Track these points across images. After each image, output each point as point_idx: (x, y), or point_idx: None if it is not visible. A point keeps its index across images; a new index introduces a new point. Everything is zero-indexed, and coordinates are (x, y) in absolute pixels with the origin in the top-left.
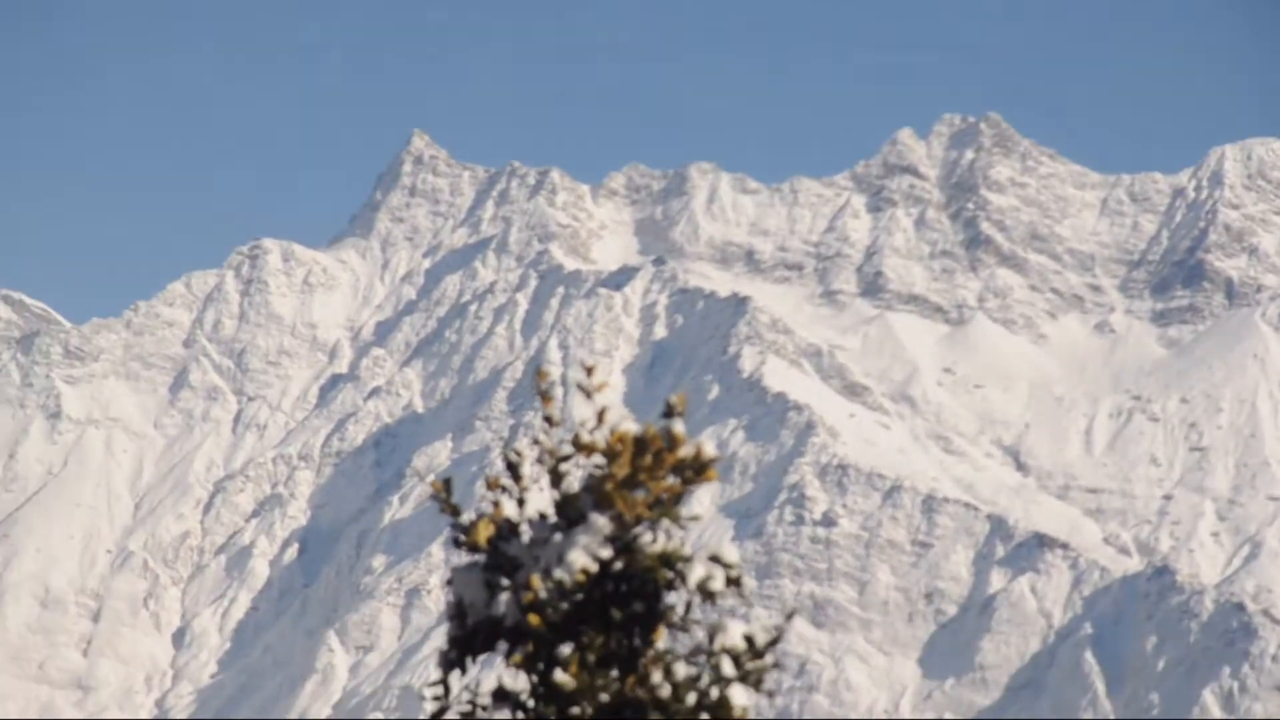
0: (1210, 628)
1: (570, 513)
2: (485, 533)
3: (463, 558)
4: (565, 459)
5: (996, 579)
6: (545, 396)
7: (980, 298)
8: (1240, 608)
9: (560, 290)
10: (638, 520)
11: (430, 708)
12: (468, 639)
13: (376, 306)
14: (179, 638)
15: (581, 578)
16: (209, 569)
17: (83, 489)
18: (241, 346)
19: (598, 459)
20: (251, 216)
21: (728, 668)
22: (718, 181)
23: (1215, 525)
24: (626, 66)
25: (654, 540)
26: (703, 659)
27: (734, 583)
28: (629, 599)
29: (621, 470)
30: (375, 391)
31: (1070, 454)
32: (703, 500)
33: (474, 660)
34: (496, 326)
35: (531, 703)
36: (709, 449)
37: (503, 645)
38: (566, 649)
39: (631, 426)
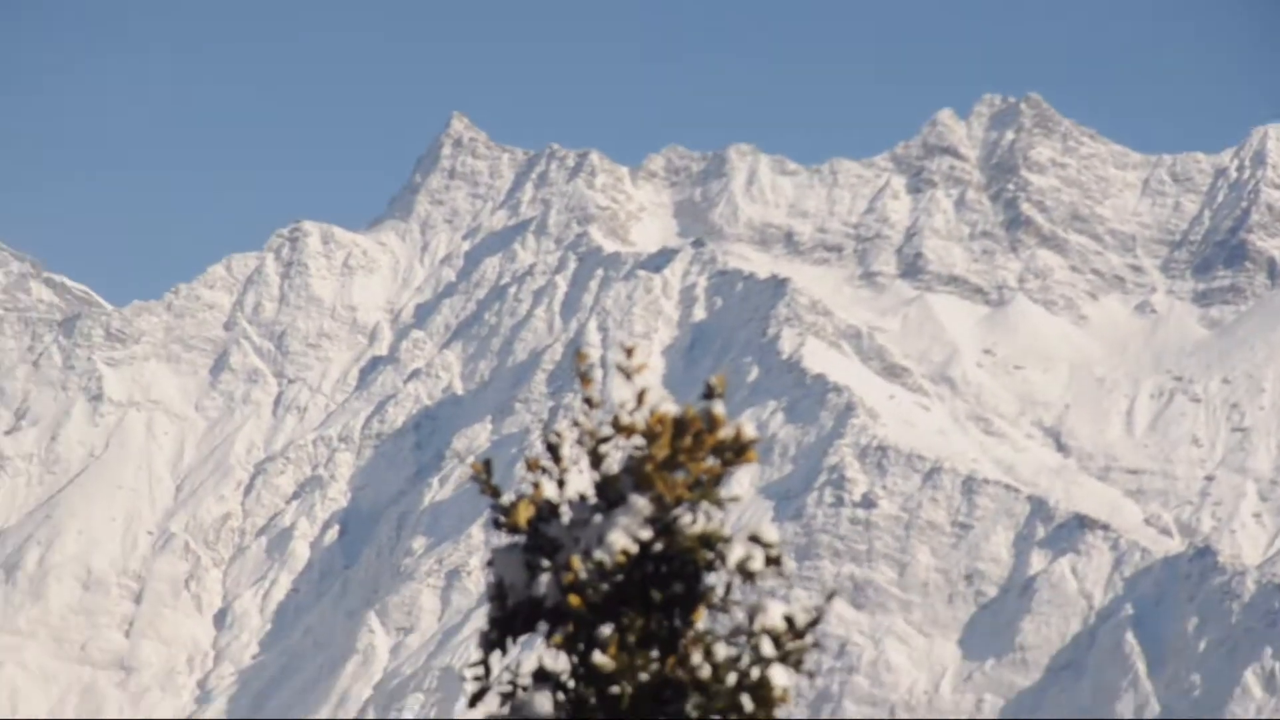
0: (1252, 608)
1: (610, 494)
2: (525, 514)
3: (503, 539)
4: (605, 440)
5: (1037, 560)
6: (585, 378)
7: (1021, 279)
8: None
9: (599, 272)
10: (677, 501)
11: (471, 688)
12: (508, 620)
13: (416, 289)
14: (220, 619)
15: (621, 559)
16: (250, 550)
17: (124, 471)
18: (282, 329)
19: (637, 440)
20: (291, 199)
21: (768, 648)
22: (757, 163)
23: (1257, 506)
24: (665, 48)
25: (694, 521)
26: (743, 640)
27: (774, 562)
28: (669, 580)
29: (661, 452)
30: (415, 374)
31: (1111, 435)
32: (742, 482)
33: (514, 641)
34: (536, 309)
35: (571, 683)
36: (749, 430)
37: (543, 626)
38: (606, 630)
39: (671, 408)
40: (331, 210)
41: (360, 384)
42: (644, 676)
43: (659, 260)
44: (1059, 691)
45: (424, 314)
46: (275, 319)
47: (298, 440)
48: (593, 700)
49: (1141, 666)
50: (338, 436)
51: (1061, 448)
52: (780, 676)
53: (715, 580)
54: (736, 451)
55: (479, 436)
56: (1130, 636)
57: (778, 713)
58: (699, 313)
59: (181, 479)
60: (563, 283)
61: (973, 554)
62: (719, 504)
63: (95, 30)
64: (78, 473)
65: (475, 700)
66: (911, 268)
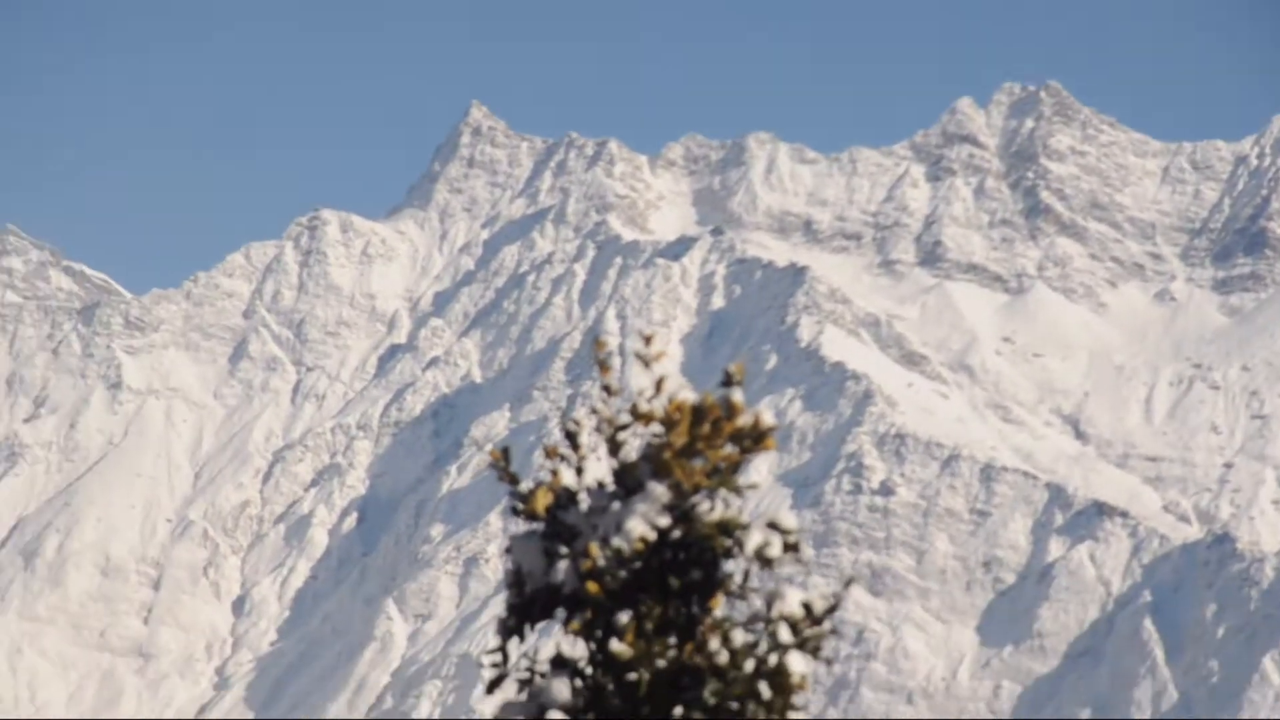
0: (1271, 595)
1: (628, 481)
2: (543, 501)
3: (521, 526)
4: (623, 428)
5: (1055, 547)
6: (603, 366)
7: (1040, 266)
8: None
9: (618, 261)
10: (696, 489)
11: (489, 675)
12: (526, 607)
13: (435, 277)
14: (239, 606)
15: (640, 545)
16: (268, 538)
17: (143, 459)
18: (300, 317)
19: (656, 428)
20: (310, 188)
21: (785, 635)
22: (776, 151)
23: (1276, 493)
24: (684, 37)
25: (712, 508)
26: (761, 626)
27: (792, 549)
28: (687, 567)
29: (680, 439)
30: (433, 362)
31: (1130, 422)
32: (760, 469)
33: (532, 628)
34: (554, 297)
35: (589, 670)
36: (767, 418)
37: (561, 613)
38: (624, 617)
39: (690, 395)
40: (350, 199)
41: (379, 372)
42: (662, 663)
43: (678, 248)
44: (1077, 678)
45: (442, 302)
46: (294, 307)
47: (316, 428)
48: (610, 687)
49: (1159, 653)
50: (356, 424)
51: (1080, 435)
52: (798, 663)
53: (733, 567)
54: (755, 439)
55: (497, 424)
56: (1148, 623)
57: (795, 699)
58: (717, 301)
59: (200, 466)
60: (581, 271)
61: (991, 541)
62: (737, 491)
63: (115, 21)
64: (97, 460)
65: (493, 687)
66: (930, 256)
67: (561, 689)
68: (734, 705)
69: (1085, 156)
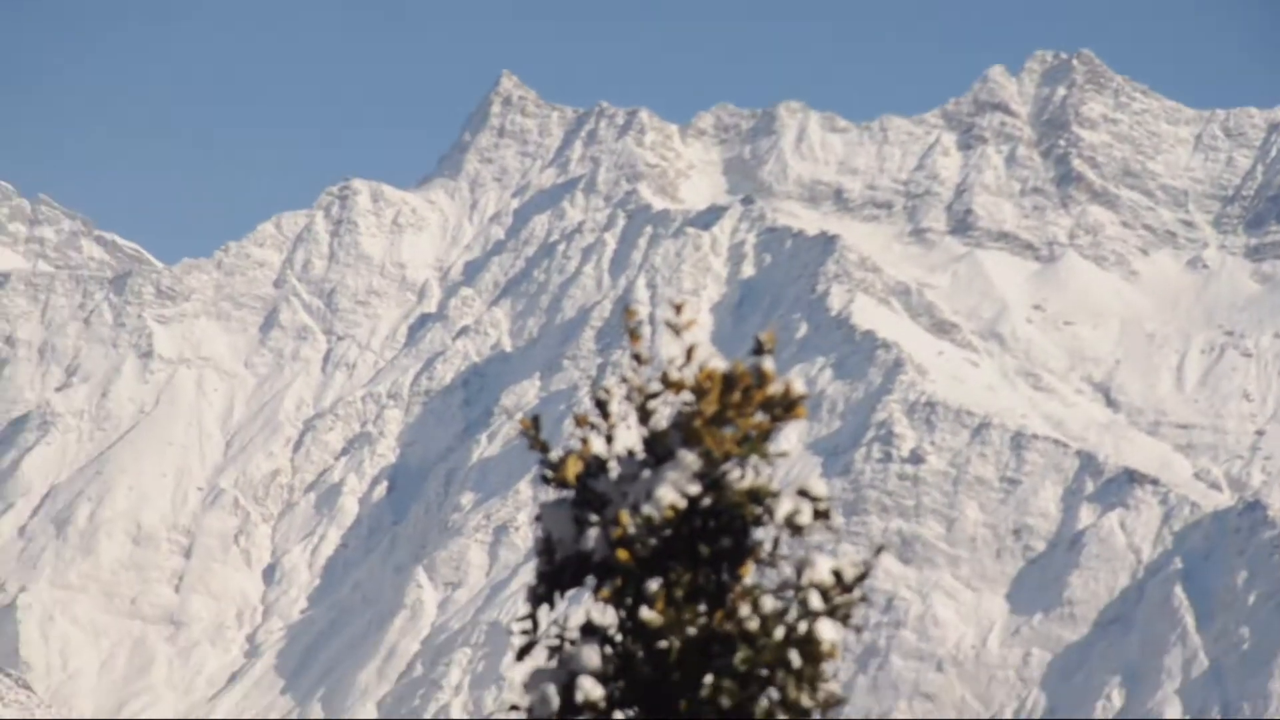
0: None
1: (659, 449)
2: (574, 469)
3: (551, 494)
4: (654, 396)
5: (1086, 515)
6: (633, 335)
7: (1071, 234)
8: None
9: (648, 230)
10: (726, 457)
11: (518, 642)
12: (556, 574)
13: (465, 246)
14: (269, 574)
15: (670, 513)
16: (299, 506)
17: (174, 427)
18: (331, 286)
19: (686, 396)
20: (341, 157)
21: (816, 602)
22: (806, 120)
23: None
24: (715, 5)
25: (742, 477)
26: (790, 594)
27: (822, 516)
28: (717, 534)
29: (710, 407)
30: (464, 331)
31: (1161, 390)
32: (790, 438)
33: (562, 595)
34: (584, 266)
35: (619, 637)
36: (798, 386)
37: (591, 580)
38: (654, 584)
39: (720, 363)
40: (381, 168)
41: (409, 341)
42: (691, 631)
43: (708, 217)
44: (1107, 646)
45: (473, 271)
46: (325, 276)
47: (347, 397)
48: (640, 654)
49: (1190, 620)
50: (386, 393)
51: (1111, 403)
52: (828, 631)
53: (763, 535)
54: (785, 407)
55: (527, 393)
56: (1179, 591)
57: (825, 667)
58: (748, 270)
59: (231, 435)
60: (611, 240)
61: (1021, 509)
62: (767, 459)
63: None
64: (128, 429)
65: (523, 654)
66: (961, 224)
67: (591, 656)
68: (764, 672)
69: (1117, 124)
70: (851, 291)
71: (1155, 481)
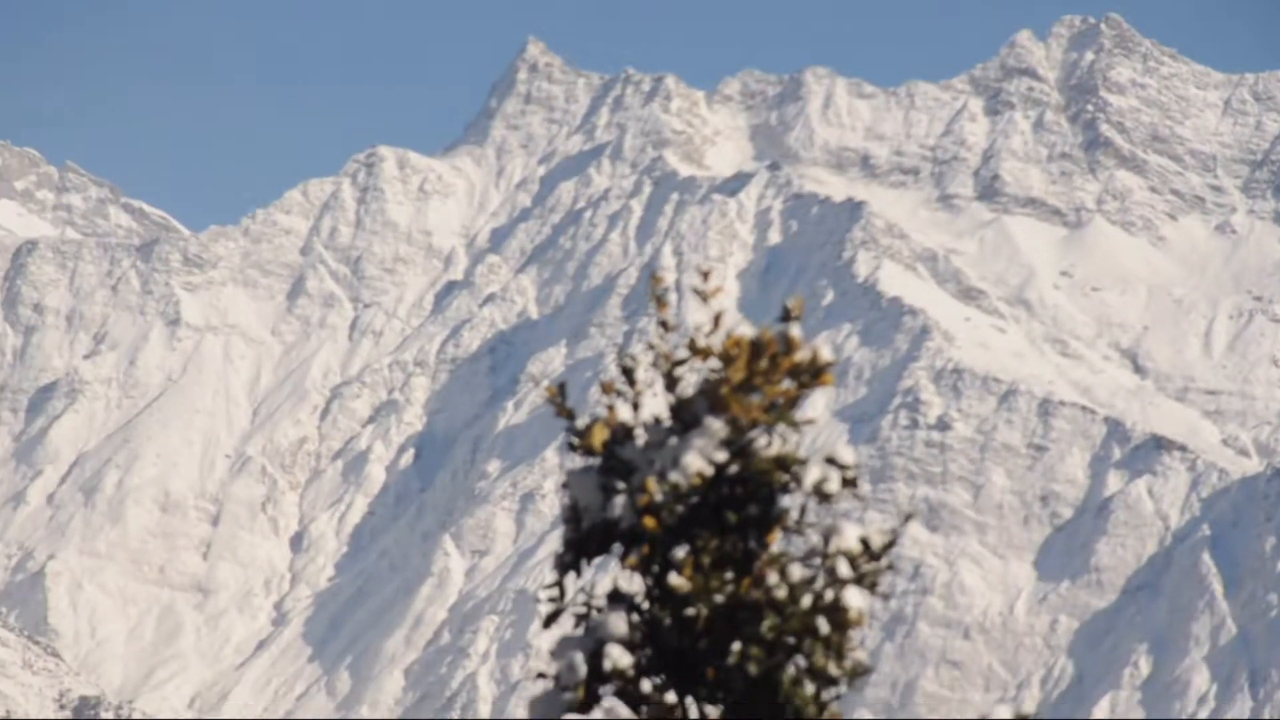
0: None
1: (685, 416)
2: (600, 436)
3: (578, 461)
4: (680, 363)
5: (1113, 481)
6: (660, 302)
7: (1099, 200)
8: None
9: (674, 197)
10: (753, 424)
11: (546, 610)
12: (583, 542)
13: (491, 214)
14: (297, 542)
15: (697, 481)
16: (326, 474)
17: (201, 395)
18: (358, 254)
19: (713, 363)
20: (368, 125)
21: (843, 570)
22: (833, 86)
23: None
24: None
25: (769, 444)
26: (818, 561)
27: (850, 484)
28: (744, 502)
29: (737, 374)
30: (490, 298)
31: (1189, 356)
32: (817, 405)
33: (589, 563)
34: (611, 233)
35: (646, 605)
36: (825, 353)
37: (618, 548)
38: (681, 552)
39: (747, 330)
40: (407, 135)
41: (435, 308)
42: (719, 598)
43: (734, 184)
44: (1135, 613)
45: (499, 238)
46: (351, 244)
47: (373, 364)
48: (667, 621)
49: (1218, 587)
50: (413, 361)
51: (1139, 369)
52: (855, 598)
53: (790, 502)
54: (813, 374)
55: (554, 360)
56: (1207, 557)
57: (852, 634)
58: (774, 236)
59: (258, 403)
60: (638, 207)
61: (1048, 476)
62: (794, 426)
63: None
64: (156, 397)
65: (550, 622)
66: (989, 190)
67: (618, 623)
68: (791, 640)
69: (1146, 89)
70: (878, 258)
71: (1183, 448)
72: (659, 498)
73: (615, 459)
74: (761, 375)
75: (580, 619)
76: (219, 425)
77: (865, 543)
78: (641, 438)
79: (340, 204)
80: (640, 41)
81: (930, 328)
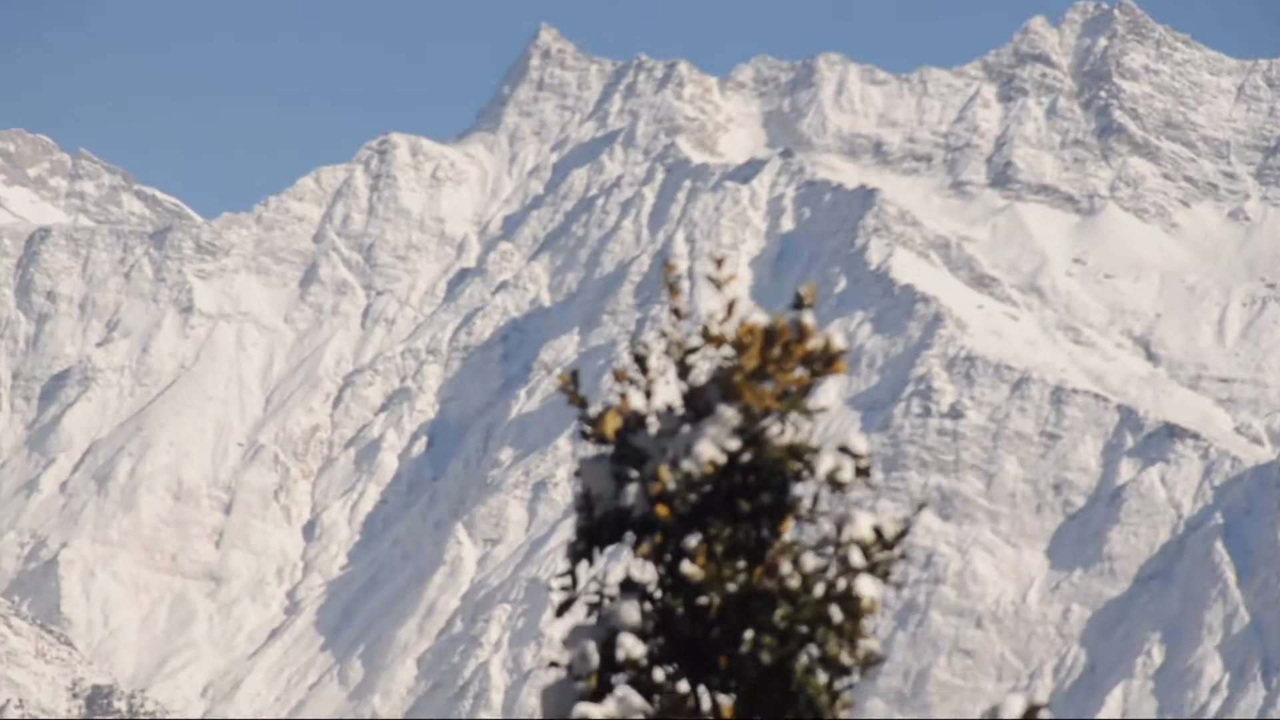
0: None
1: (698, 404)
2: (613, 425)
3: (590, 449)
4: (693, 351)
5: (1126, 469)
6: (673, 289)
7: (1112, 187)
8: None
9: (687, 184)
10: (766, 412)
11: (558, 599)
12: (595, 530)
13: (504, 201)
14: (309, 530)
15: (709, 469)
16: (338, 462)
17: (214, 383)
18: (370, 241)
19: (726, 351)
20: (380, 112)
21: (856, 559)
22: (846, 73)
23: None
24: None
25: (782, 432)
26: (831, 550)
27: (863, 473)
28: (757, 490)
29: (750, 362)
30: (503, 286)
31: (1202, 343)
32: (829, 393)
33: (601, 551)
34: (623, 220)
35: (659, 593)
36: (838, 341)
37: (630, 536)
38: (694, 540)
39: (760, 318)
40: (420, 123)
41: (448, 296)
42: (731, 587)
43: (747, 171)
44: (1147, 601)
45: (512, 226)
46: (364, 231)
47: (386, 352)
48: (680, 610)
49: (1231, 576)
50: (426, 348)
51: (1151, 357)
52: (868, 587)
53: (803, 491)
54: (826, 362)
55: (566, 348)
56: (1219, 546)
57: (865, 623)
58: (787, 224)
59: (271, 391)
60: (650, 194)
61: (1061, 464)
62: (807, 414)
63: None
64: (168, 384)
65: (562, 610)
66: (1001, 177)
67: (631, 612)
68: (804, 629)
69: (1159, 75)
70: (891, 245)
71: (1196, 436)
72: (671, 486)
73: (628, 447)
74: (774, 363)
75: (593, 608)
76: (232, 413)
77: (878, 531)
78: (654, 426)
79: (353, 191)
80: (653, 28)
81: (943, 315)
